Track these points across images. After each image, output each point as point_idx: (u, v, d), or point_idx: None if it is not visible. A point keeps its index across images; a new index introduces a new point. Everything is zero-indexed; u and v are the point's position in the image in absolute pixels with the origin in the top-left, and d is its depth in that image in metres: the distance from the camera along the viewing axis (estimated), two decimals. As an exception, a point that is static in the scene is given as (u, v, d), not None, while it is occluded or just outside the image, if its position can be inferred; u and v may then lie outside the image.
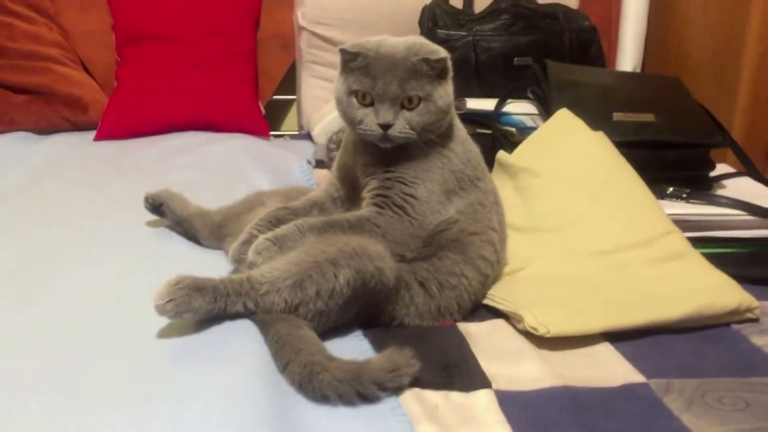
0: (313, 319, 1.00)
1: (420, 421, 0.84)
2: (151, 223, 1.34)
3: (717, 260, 1.24)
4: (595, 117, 1.49)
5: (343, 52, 1.09)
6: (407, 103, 1.07)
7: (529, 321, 1.04)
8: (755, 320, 1.14)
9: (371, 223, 1.10)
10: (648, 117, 1.53)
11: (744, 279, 1.20)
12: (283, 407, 0.85)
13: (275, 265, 1.01)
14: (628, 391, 0.94)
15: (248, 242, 1.13)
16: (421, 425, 0.84)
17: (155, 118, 1.97)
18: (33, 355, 0.93)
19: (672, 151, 1.53)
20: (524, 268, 1.23)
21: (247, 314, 0.99)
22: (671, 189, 1.47)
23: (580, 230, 1.30)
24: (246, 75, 2.09)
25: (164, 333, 0.96)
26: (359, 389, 0.87)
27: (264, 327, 0.98)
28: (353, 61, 1.08)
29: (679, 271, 1.22)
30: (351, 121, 1.10)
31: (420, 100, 1.07)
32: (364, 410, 0.87)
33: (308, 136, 2.14)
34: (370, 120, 1.07)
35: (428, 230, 1.11)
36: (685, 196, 1.46)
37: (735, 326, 1.13)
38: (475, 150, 1.20)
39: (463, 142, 1.18)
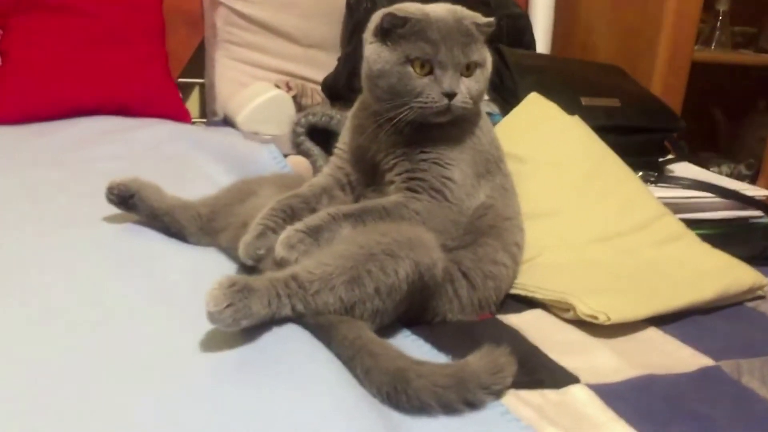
0: (368, 319, 0.88)
1: (540, 425, 0.76)
2: (111, 219, 1.13)
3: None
4: (564, 102, 1.47)
5: (390, 16, 0.97)
6: (465, 70, 0.98)
7: (583, 309, 0.99)
8: (763, 297, 1.17)
9: (410, 210, 0.99)
10: (614, 102, 1.54)
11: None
12: (381, 418, 0.73)
13: (322, 259, 0.88)
14: (706, 375, 0.92)
15: (263, 235, 0.98)
16: (546, 430, 0.75)
17: (56, 101, 1.70)
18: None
19: (635, 136, 1.55)
20: (539, 255, 1.18)
21: (294, 317, 0.85)
22: (640, 173, 1.48)
23: (575, 216, 1.27)
24: (157, 52, 1.87)
25: (198, 350, 0.79)
26: (467, 395, 0.77)
27: (324, 332, 0.84)
28: (402, 27, 0.97)
29: (683, 253, 1.23)
30: (405, 94, 0.97)
31: (477, 66, 0.99)
32: (470, 418, 0.77)
33: (226, 123, 1.96)
34: (433, 91, 0.97)
35: (467, 215, 1.03)
36: (653, 179, 1.49)
37: (748, 304, 1.15)
38: (494, 130, 1.14)
39: (486, 121, 1.11)
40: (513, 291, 1.09)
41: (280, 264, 0.93)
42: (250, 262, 0.98)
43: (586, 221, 1.27)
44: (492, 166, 1.08)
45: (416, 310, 0.96)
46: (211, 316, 0.77)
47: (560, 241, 1.22)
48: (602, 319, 0.97)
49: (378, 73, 0.99)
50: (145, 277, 0.96)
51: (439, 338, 0.93)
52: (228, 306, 0.77)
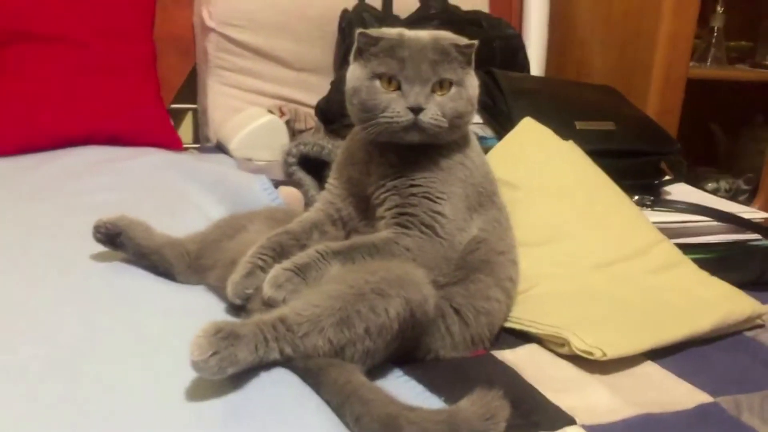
0: (359, 360, 0.86)
1: (534, 472, 0.74)
2: (98, 257, 1.11)
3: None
4: (558, 125, 1.46)
5: (362, 35, 0.98)
6: (438, 88, 0.97)
7: (578, 344, 0.97)
8: (762, 326, 1.15)
9: (400, 246, 0.98)
10: (609, 125, 1.53)
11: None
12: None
13: (311, 300, 0.86)
14: (704, 412, 0.90)
15: (251, 274, 0.97)
16: (540, 478, 0.74)
17: (48, 131, 1.69)
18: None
19: (631, 160, 1.54)
20: (535, 285, 1.16)
21: (282, 362, 0.84)
22: (636, 197, 1.47)
23: (572, 243, 1.26)
24: (149, 81, 1.86)
25: (182, 398, 0.77)
26: (458, 443, 0.75)
27: (312, 376, 0.83)
28: (374, 45, 0.98)
29: (681, 281, 1.21)
30: (372, 109, 0.97)
31: (452, 84, 0.98)
32: (463, 466, 0.75)
33: (218, 149, 1.95)
34: (398, 105, 0.96)
35: (458, 251, 1.01)
36: (649, 203, 1.47)
37: (747, 333, 1.13)
38: (488, 163, 1.12)
39: (480, 153, 1.10)
40: (507, 325, 1.07)
41: (268, 303, 0.91)
42: (238, 302, 0.96)
43: (582, 249, 1.25)
44: (485, 199, 1.07)
45: (408, 347, 0.94)
46: (196, 365, 0.75)
47: (556, 270, 1.21)
48: (598, 355, 0.96)
49: (351, 91, 1.00)
50: (131, 321, 0.94)
51: (432, 378, 0.91)
52: (213, 354, 0.75)
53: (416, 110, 0.95)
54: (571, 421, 0.84)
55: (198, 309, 0.99)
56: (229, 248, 1.07)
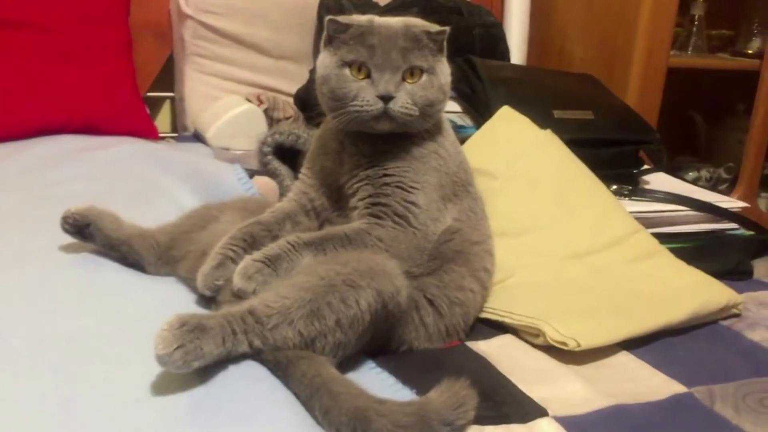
0: (329, 353, 0.85)
1: (505, 465, 0.74)
2: (66, 248, 1.09)
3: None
4: (536, 114, 1.45)
5: (332, 21, 0.97)
6: (409, 76, 0.96)
7: (552, 335, 0.97)
8: (737, 315, 1.15)
9: (373, 237, 0.96)
10: (587, 114, 1.52)
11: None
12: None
13: (280, 291, 0.85)
14: (676, 403, 0.89)
15: (222, 265, 0.95)
16: (510, 470, 0.73)
17: (18, 120, 1.65)
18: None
19: (609, 149, 1.53)
20: (510, 276, 1.15)
21: (251, 354, 0.82)
22: (614, 187, 1.46)
23: (549, 233, 1.26)
24: (124, 68, 1.83)
25: (149, 392, 0.76)
26: (429, 433, 0.74)
27: (282, 369, 0.81)
28: (344, 33, 0.96)
29: (657, 270, 1.21)
30: (342, 98, 0.96)
31: (423, 72, 0.97)
32: (433, 458, 0.74)
33: (196, 138, 1.93)
34: (368, 93, 0.94)
35: (432, 241, 1.00)
36: (627, 193, 1.47)
37: (722, 323, 1.13)
38: (463, 152, 1.11)
39: (454, 142, 1.09)
40: (483, 315, 1.06)
41: (238, 295, 0.90)
42: (208, 293, 0.95)
43: (558, 239, 1.25)
44: (459, 189, 1.06)
45: (381, 339, 0.93)
46: (161, 359, 0.74)
47: (532, 260, 1.20)
48: (572, 345, 0.95)
49: (321, 79, 0.98)
50: (99, 313, 0.92)
51: (404, 370, 0.90)
52: (178, 348, 0.74)
53: (386, 98, 0.94)
54: (543, 413, 0.84)
55: (167, 301, 0.97)
56: (200, 239, 1.05)
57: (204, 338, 0.76)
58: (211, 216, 1.10)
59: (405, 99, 0.95)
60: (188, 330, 0.75)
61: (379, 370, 0.91)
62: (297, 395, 0.79)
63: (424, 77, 0.97)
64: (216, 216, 1.10)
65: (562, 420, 0.82)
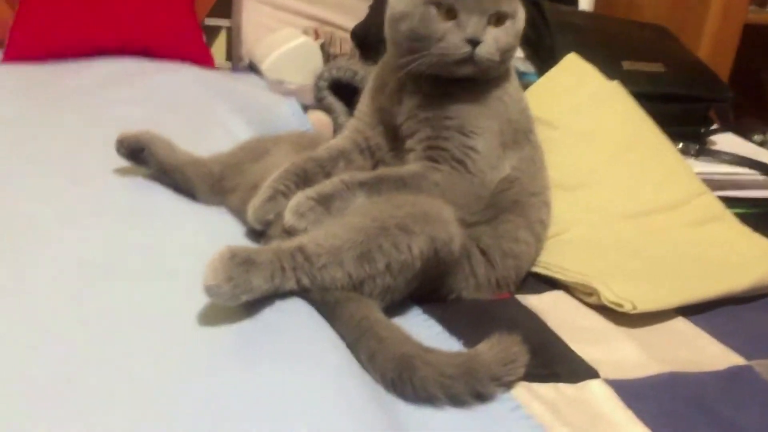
0: (377, 296, 0.83)
1: (552, 424, 0.72)
2: (120, 172, 1.09)
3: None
4: (604, 64, 1.38)
5: None
6: (494, 21, 0.91)
7: (607, 295, 0.93)
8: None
9: (429, 181, 0.93)
10: (657, 67, 1.45)
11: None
12: (382, 411, 0.69)
13: (332, 231, 0.83)
14: (735, 375, 0.85)
15: (273, 199, 0.94)
16: (558, 430, 0.71)
17: (78, 38, 1.65)
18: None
19: (679, 105, 1.46)
20: (566, 231, 1.11)
21: (299, 292, 0.81)
22: (680, 145, 1.40)
23: (606, 189, 1.20)
24: (183, -8, 1.80)
25: (196, 322, 0.75)
26: (476, 386, 0.72)
27: (329, 309, 0.80)
28: None
29: (721, 235, 1.16)
30: (424, 38, 0.91)
31: (507, 17, 0.92)
32: (478, 411, 0.72)
33: (251, 69, 1.90)
34: (455, 36, 0.90)
35: (489, 189, 0.97)
36: (693, 153, 1.41)
37: (785, 294, 1.08)
38: (526, 99, 1.06)
39: (518, 89, 1.04)
40: (535, 269, 1.03)
41: (289, 232, 0.88)
42: (258, 227, 0.94)
43: (618, 196, 1.20)
44: (520, 136, 1.02)
45: (430, 286, 0.91)
46: (209, 290, 0.73)
47: (589, 216, 1.16)
48: (627, 307, 0.91)
49: (399, 15, 0.93)
50: (148, 240, 0.92)
51: (452, 319, 0.88)
52: (227, 280, 0.73)
53: (474, 43, 0.89)
54: (593, 374, 0.81)
55: (217, 232, 0.96)
56: (252, 171, 1.04)
57: (253, 272, 0.75)
58: (264, 149, 1.08)
59: (491, 44, 0.91)
60: (238, 263, 0.74)
61: (426, 317, 0.89)
62: (343, 337, 0.77)
63: (508, 22, 0.92)
64: (268, 149, 1.08)
65: (613, 383, 0.80)
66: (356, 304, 0.80)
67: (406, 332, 0.78)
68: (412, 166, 0.95)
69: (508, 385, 0.75)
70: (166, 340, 0.73)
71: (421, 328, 0.86)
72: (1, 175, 1.05)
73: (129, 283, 0.82)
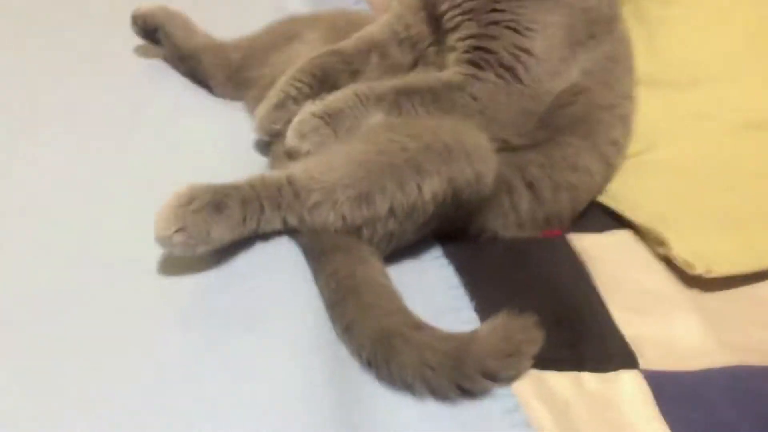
0: (380, 242, 0.70)
1: (549, 434, 0.58)
2: (137, 53, 0.97)
3: None
4: None
5: None
6: None
7: (679, 251, 0.75)
8: None
9: (465, 94, 0.76)
10: None
11: None
12: (344, 394, 0.58)
13: (331, 161, 0.69)
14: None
15: (282, 106, 0.80)
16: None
17: None
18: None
19: None
20: (653, 147, 0.90)
21: (286, 231, 0.69)
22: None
23: (729, 88, 0.95)
24: None
25: (157, 270, 0.66)
26: (461, 382, 0.59)
27: (314, 259, 0.68)
28: None
29: None
30: None
31: None
32: (462, 410, 0.60)
33: None
34: None
35: (545, 103, 0.77)
36: None
37: None
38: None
39: (599, -37, 0.80)
40: (600, 199, 0.85)
41: (291, 154, 0.75)
42: (264, 138, 0.81)
43: (738, 98, 0.95)
44: (599, 29, 0.80)
45: (454, 225, 0.76)
46: (159, 241, 0.62)
47: (691, 126, 0.93)
48: (700, 270, 0.72)
49: None
50: (147, 143, 0.82)
51: (474, 269, 0.74)
52: (179, 231, 0.62)
53: None
54: (631, 362, 0.66)
55: (224, 138, 0.84)
56: (277, 61, 0.90)
57: (216, 219, 0.63)
58: (295, 32, 0.93)
59: None
60: (195, 210, 0.63)
61: (445, 261, 0.75)
62: (323, 296, 0.66)
63: None
64: (299, 33, 0.93)
65: (653, 377, 0.64)
66: (344, 256, 0.67)
67: (398, 297, 0.65)
68: (448, 73, 0.78)
69: (506, 382, 0.61)
70: (125, 292, 0.64)
71: (433, 278, 0.73)
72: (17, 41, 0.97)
73: (103, 207, 0.73)
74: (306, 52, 0.86)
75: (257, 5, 1.09)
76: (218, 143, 0.83)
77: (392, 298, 0.65)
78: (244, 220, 0.65)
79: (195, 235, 0.62)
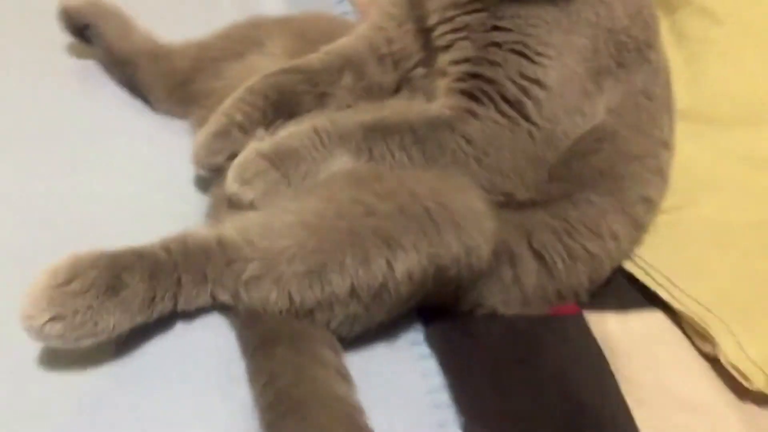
0: (340, 326, 0.54)
1: None
2: (68, 52, 0.79)
3: None
4: None
5: None
6: None
7: (733, 356, 0.58)
8: None
9: (457, 136, 0.59)
10: None
11: None
12: None
13: (276, 222, 0.53)
14: None
15: (225, 134, 0.64)
16: None
17: None
18: None
19: None
20: (692, 202, 0.72)
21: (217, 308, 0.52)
22: None
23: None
24: None
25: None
26: None
27: (249, 355, 0.51)
28: None
29: None
30: None
31: None
32: None
33: None
34: None
35: (561, 148, 0.60)
36: None
37: None
38: (645, -10, 0.65)
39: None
40: (629, 267, 0.67)
41: (231, 201, 0.58)
42: (201, 172, 0.64)
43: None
44: (630, 55, 0.63)
45: (441, 299, 0.59)
46: (27, 330, 0.45)
47: (741, 173, 0.75)
48: (759, 384, 0.55)
49: None
50: (57, 168, 0.65)
51: (465, 362, 0.58)
52: (52, 320, 0.45)
53: None
54: None
55: (151, 170, 0.67)
56: (230, 73, 0.73)
57: (108, 304, 0.47)
58: (256, 39, 0.76)
59: None
60: (78, 291, 0.46)
61: (425, 351, 0.58)
62: (259, 408, 0.48)
63: None
64: (260, 40, 0.75)
65: None
66: (287, 350, 0.51)
67: (358, 417, 0.49)
68: (436, 106, 0.61)
69: None
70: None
71: (408, 377, 0.57)
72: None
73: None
74: (266, 65, 0.69)
75: (221, 1, 0.92)
76: (147, 176, 0.67)
77: (350, 420, 0.48)
78: (153, 299, 0.49)
79: (77, 326, 0.45)
